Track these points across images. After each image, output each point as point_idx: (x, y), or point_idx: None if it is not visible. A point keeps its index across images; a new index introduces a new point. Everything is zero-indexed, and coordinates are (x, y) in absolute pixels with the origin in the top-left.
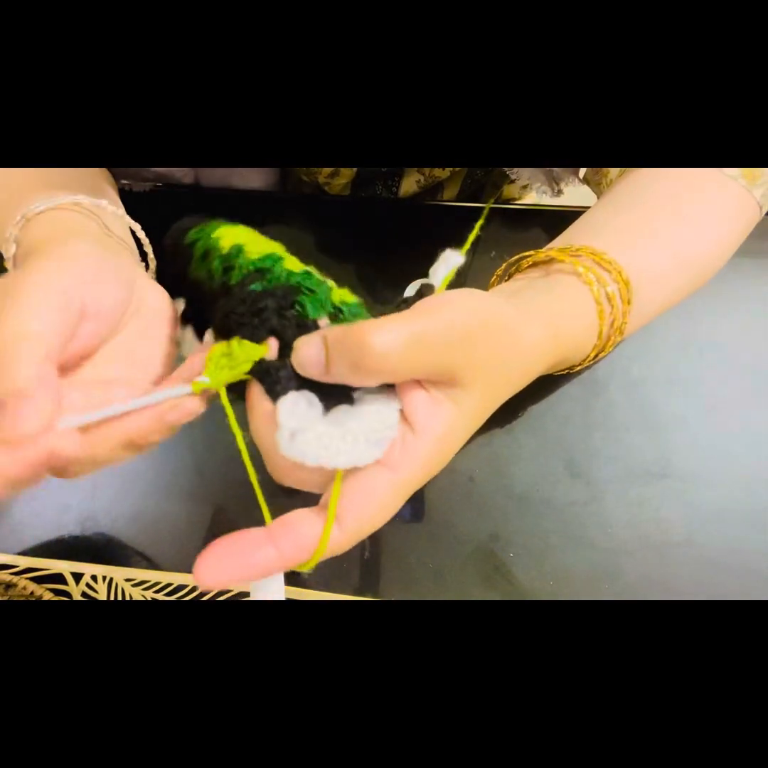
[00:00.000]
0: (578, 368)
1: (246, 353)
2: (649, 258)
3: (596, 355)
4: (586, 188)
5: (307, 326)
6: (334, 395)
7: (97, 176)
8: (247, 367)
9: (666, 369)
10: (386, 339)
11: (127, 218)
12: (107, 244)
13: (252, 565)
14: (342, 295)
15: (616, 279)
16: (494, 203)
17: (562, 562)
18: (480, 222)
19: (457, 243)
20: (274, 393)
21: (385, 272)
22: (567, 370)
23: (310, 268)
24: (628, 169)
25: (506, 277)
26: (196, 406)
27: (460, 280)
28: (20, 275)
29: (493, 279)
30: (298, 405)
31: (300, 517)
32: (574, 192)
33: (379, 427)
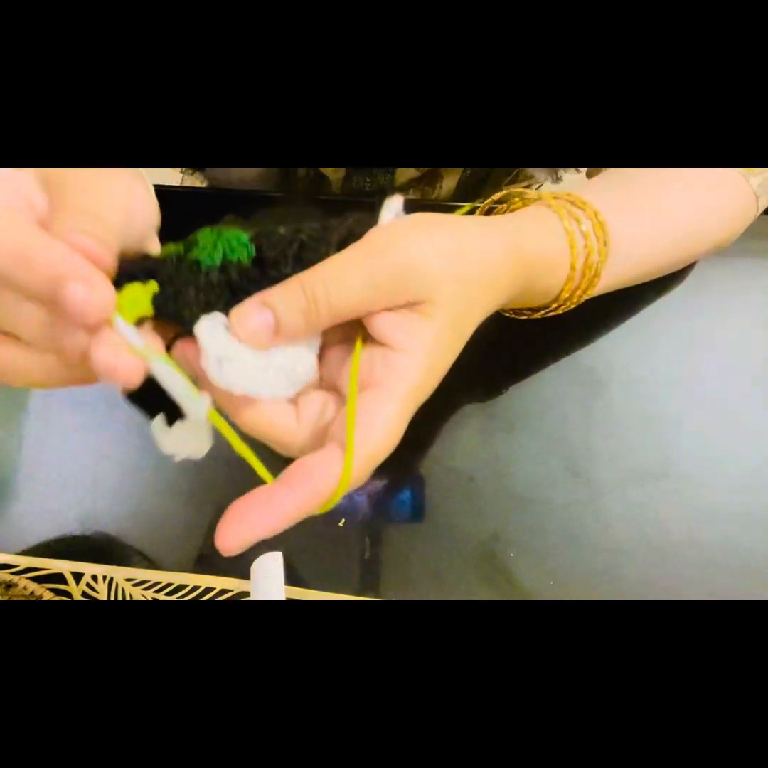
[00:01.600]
0: (555, 306)
1: (139, 292)
2: (628, 212)
3: (572, 293)
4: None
5: (192, 267)
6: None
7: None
8: (147, 303)
9: (666, 369)
10: (341, 293)
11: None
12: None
13: (275, 517)
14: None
15: (589, 216)
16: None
17: (562, 562)
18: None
19: None
20: (184, 321)
21: None
22: (544, 311)
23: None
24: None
25: None
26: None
27: None
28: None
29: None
30: (218, 329)
31: (310, 460)
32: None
33: (300, 369)
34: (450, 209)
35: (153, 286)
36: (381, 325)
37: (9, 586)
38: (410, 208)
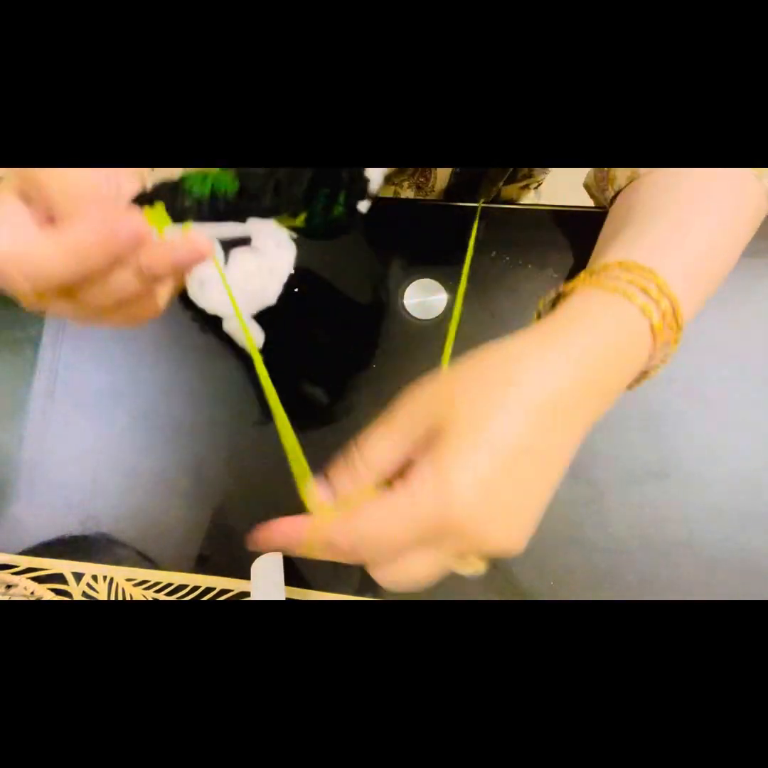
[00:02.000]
0: (645, 379)
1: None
2: (687, 259)
3: (659, 359)
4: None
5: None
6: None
7: None
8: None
9: (666, 369)
10: (364, 455)
11: None
12: None
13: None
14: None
15: (663, 294)
16: (492, 203)
17: (562, 562)
18: (476, 224)
19: (453, 241)
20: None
21: (381, 269)
22: (646, 377)
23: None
24: (636, 176)
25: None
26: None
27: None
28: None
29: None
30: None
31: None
32: (574, 192)
33: (265, 297)
34: (448, 210)
35: (161, 205)
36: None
37: (10, 585)
38: (405, 207)
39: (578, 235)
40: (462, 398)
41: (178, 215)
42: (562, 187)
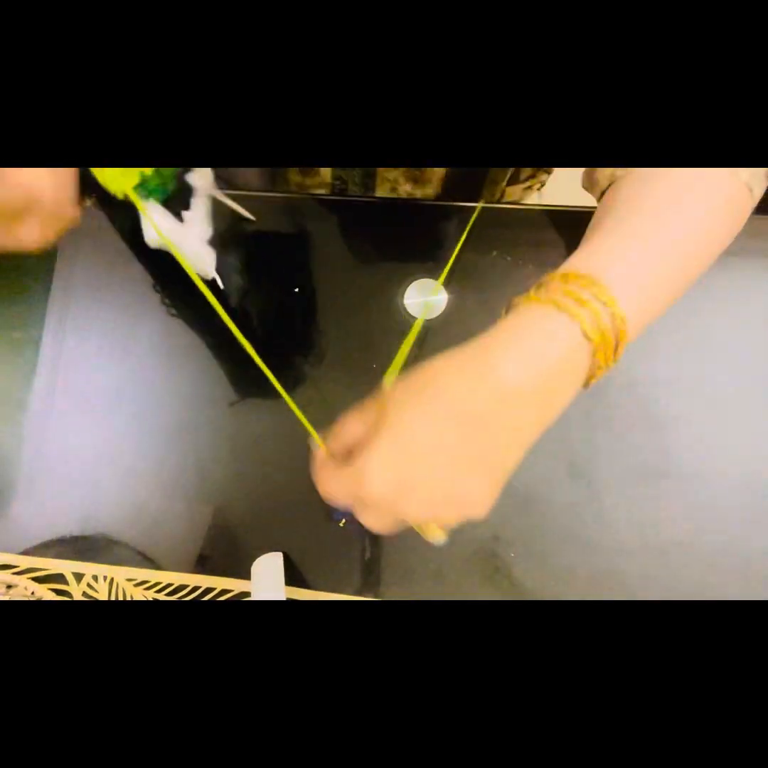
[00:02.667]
0: (591, 383)
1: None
2: (634, 273)
3: (599, 371)
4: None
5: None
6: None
7: None
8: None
9: (667, 369)
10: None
11: None
12: None
13: None
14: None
15: (610, 312)
16: (495, 203)
17: (563, 562)
18: (471, 222)
19: (454, 241)
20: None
21: (381, 269)
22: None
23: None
24: (613, 178)
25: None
26: None
27: (464, 280)
28: None
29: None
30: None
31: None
32: (574, 192)
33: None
34: (449, 210)
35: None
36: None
37: (10, 586)
38: (406, 207)
39: (578, 235)
40: (395, 405)
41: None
42: (562, 187)
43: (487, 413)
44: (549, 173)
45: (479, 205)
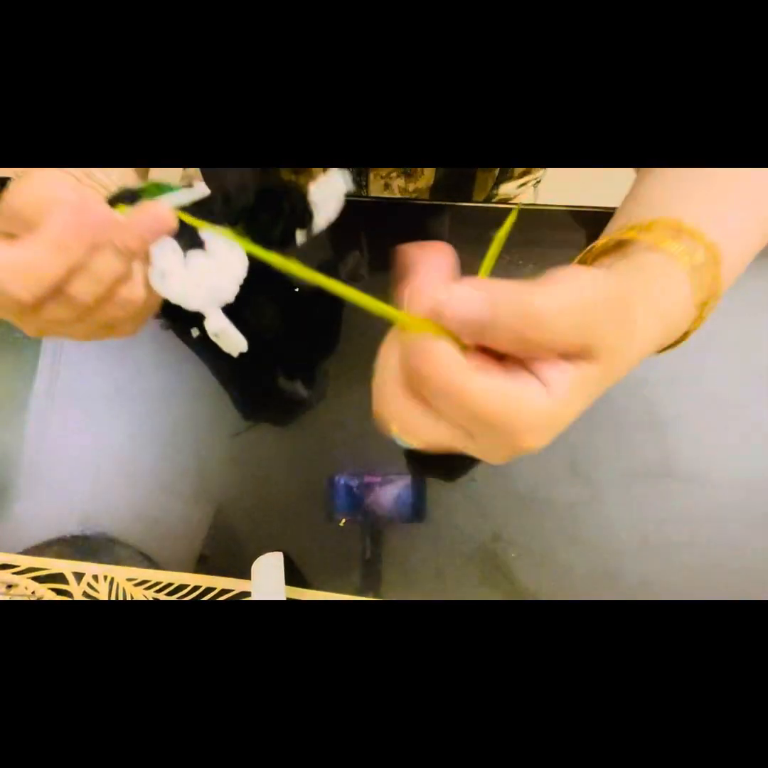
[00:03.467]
0: (678, 344)
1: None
2: (728, 218)
3: (697, 326)
4: (589, 187)
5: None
6: (186, 239)
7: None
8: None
9: (668, 369)
10: (555, 311)
11: (95, 171)
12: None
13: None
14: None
15: (703, 246)
16: (496, 203)
17: (563, 562)
18: (509, 222)
19: (454, 241)
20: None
21: (381, 270)
22: (672, 347)
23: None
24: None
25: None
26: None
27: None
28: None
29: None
30: (165, 250)
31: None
32: (574, 191)
33: (222, 295)
34: (450, 210)
35: (122, 206)
36: (547, 362)
37: (10, 585)
38: (406, 207)
39: (579, 235)
40: (613, 335)
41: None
42: (561, 186)
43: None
44: (545, 169)
45: (517, 205)
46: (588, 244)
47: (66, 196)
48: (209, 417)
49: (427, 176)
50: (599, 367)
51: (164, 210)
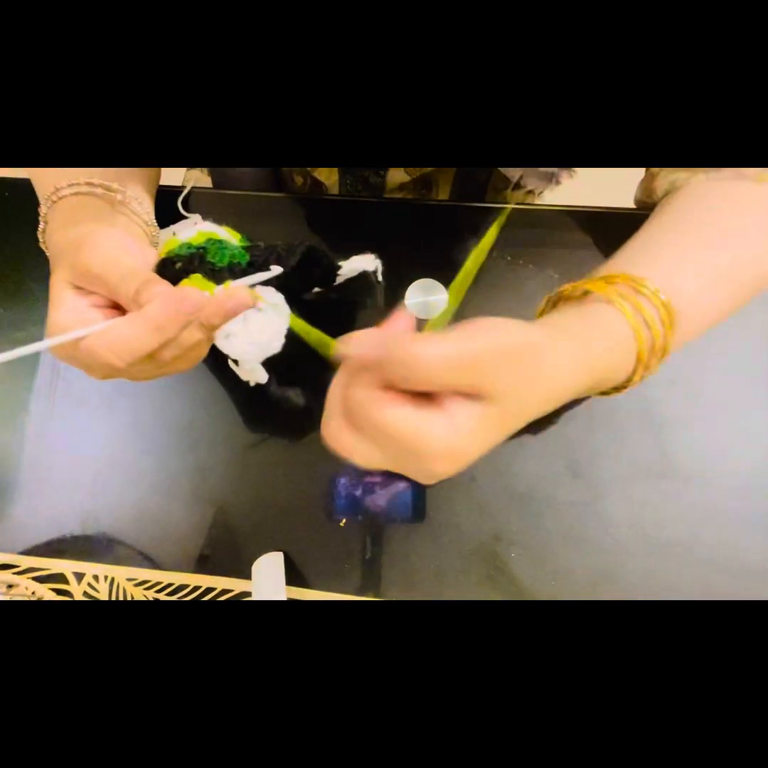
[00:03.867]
0: (625, 390)
1: (199, 282)
2: (688, 277)
3: (641, 377)
4: (589, 187)
5: (212, 269)
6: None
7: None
8: (212, 287)
9: (668, 370)
10: (431, 357)
11: (133, 200)
12: (118, 226)
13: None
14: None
15: (654, 303)
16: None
17: (563, 562)
18: (497, 224)
19: (454, 241)
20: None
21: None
22: (614, 391)
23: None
24: (674, 189)
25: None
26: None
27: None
28: (93, 246)
29: (537, 314)
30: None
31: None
32: (574, 192)
33: (269, 349)
34: (450, 210)
35: (197, 276)
36: (452, 400)
37: (11, 585)
38: (410, 211)
39: (578, 235)
40: (505, 380)
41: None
42: (562, 187)
43: (533, 415)
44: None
45: (509, 206)
46: (586, 244)
47: (139, 264)
48: (210, 417)
49: (443, 190)
50: (497, 408)
51: (247, 294)
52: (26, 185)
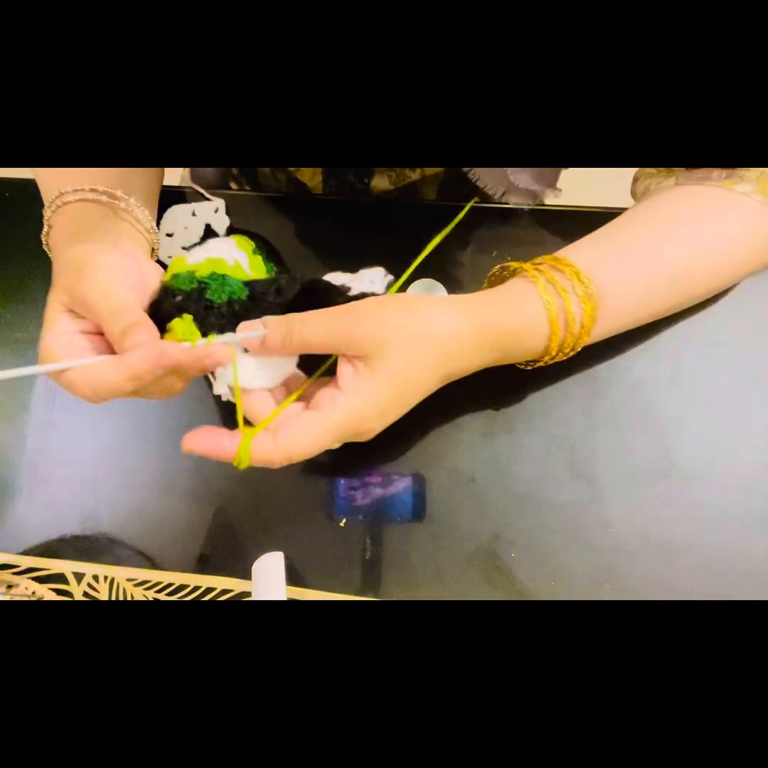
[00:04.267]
0: (548, 359)
1: (185, 324)
2: (615, 261)
3: (562, 347)
4: (589, 187)
5: (208, 306)
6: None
7: (139, 170)
8: (196, 336)
9: (667, 369)
10: (309, 333)
11: (136, 208)
12: (119, 239)
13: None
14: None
15: (569, 276)
16: (481, 203)
17: (563, 562)
18: (456, 219)
19: (454, 241)
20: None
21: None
22: (530, 365)
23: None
24: (648, 191)
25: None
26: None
27: (464, 280)
28: (91, 273)
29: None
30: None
31: (220, 433)
32: (574, 192)
33: (278, 374)
34: (450, 209)
35: (188, 318)
36: (339, 368)
37: (11, 585)
38: (406, 207)
39: (578, 234)
40: (394, 346)
41: (201, 320)
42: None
43: (432, 388)
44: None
45: (469, 204)
46: None
47: (131, 301)
48: (209, 416)
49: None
50: (382, 361)
51: (224, 352)
52: (26, 185)
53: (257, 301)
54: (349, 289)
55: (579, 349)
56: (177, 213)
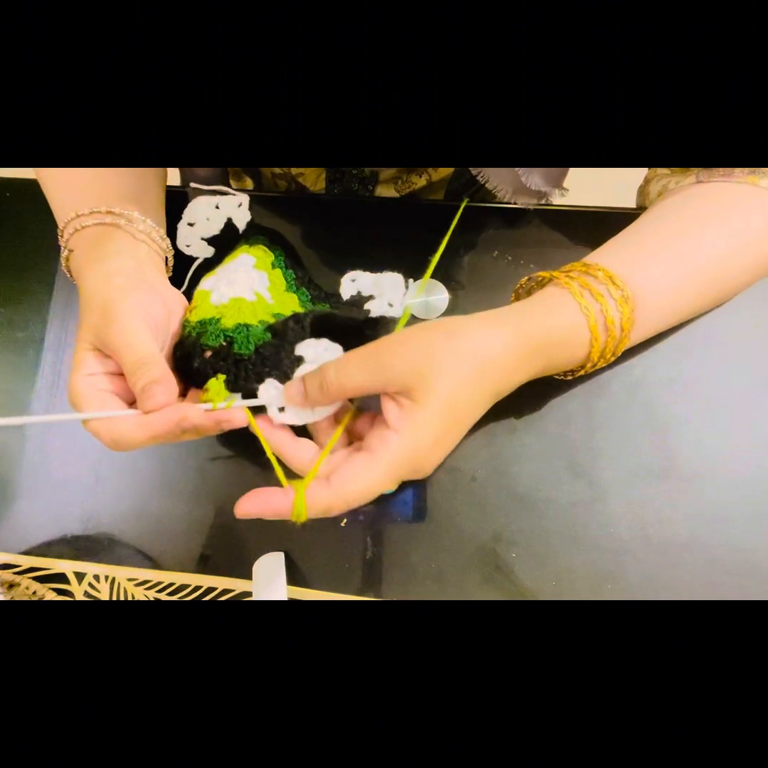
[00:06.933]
0: (590, 366)
1: (219, 385)
2: (647, 263)
3: (603, 352)
4: (589, 187)
5: (238, 360)
6: (288, 360)
7: (147, 178)
8: (225, 394)
9: (668, 369)
10: (345, 378)
11: (152, 229)
12: (141, 267)
13: (257, 509)
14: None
15: (602, 280)
16: (481, 203)
17: (564, 562)
18: (455, 220)
19: (455, 241)
20: (244, 391)
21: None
22: (570, 375)
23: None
24: (666, 190)
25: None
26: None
27: (464, 280)
28: (116, 318)
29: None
30: (270, 389)
31: (268, 491)
32: (574, 192)
33: (319, 410)
34: (450, 210)
35: (222, 377)
36: (384, 406)
37: (11, 585)
38: (406, 207)
39: (578, 234)
40: (437, 373)
41: (235, 375)
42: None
43: (484, 407)
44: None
45: (463, 202)
46: (586, 243)
47: (154, 352)
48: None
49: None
50: (426, 399)
51: (241, 417)
52: (26, 185)
53: (281, 337)
54: (368, 312)
55: (619, 354)
56: (201, 203)
